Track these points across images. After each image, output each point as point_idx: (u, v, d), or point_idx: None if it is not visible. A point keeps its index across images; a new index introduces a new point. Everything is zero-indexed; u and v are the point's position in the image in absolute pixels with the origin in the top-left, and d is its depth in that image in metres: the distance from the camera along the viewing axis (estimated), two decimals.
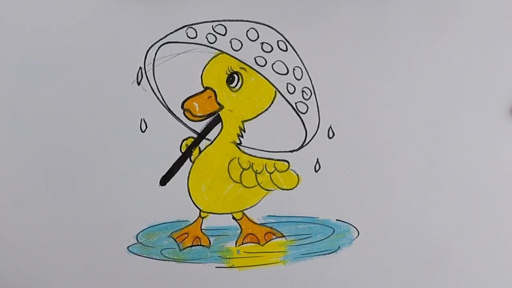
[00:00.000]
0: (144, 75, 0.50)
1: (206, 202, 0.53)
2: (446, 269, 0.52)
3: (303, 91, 0.50)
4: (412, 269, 0.54)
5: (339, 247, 0.55)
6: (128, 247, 0.54)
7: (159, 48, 0.49)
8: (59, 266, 0.55)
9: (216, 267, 0.55)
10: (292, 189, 0.53)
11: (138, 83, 0.50)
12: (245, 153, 0.52)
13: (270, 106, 0.51)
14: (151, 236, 0.54)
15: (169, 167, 0.52)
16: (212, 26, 0.49)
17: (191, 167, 0.52)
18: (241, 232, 0.54)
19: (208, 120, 0.51)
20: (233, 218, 0.54)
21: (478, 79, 0.50)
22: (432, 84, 0.49)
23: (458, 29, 0.49)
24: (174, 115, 0.51)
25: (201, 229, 0.54)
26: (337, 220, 0.54)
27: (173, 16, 0.49)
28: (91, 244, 0.54)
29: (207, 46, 0.49)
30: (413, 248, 0.54)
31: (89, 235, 0.54)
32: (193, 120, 0.51)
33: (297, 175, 0.52)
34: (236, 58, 0.50)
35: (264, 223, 0.54)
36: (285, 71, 0.50)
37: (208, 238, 0.54)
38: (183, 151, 0.52)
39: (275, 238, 0.54)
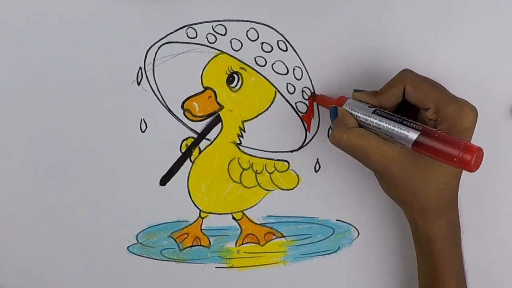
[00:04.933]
0: (144, 75, 0.50)
1: (206, 202, 0.53)
2: None
3: (303, 91, 0.50)
4: (412, 269, 0.54)
5: (339, 247, 0.54)
6: (128, 247, 0.54)
7: (159, 48, 0.49)
8: (59, 266, 0.55)
9: (216, 267, 0.55)
10: (292, 189, 0.53)
11: (138, 83, 0.50)
12: (245, 153, 0.52)
13: (270, 106, 0.51)
14: (151, 236, 0.54)
15: (169, 167, 0.52)
16: (212, 26, 0.49)
17: (191, 167, 0.52)
18: (241, 232, 0.54)
19: (208, 120, 0.51)
20: (233, 218, 0.54)
21: (478, 79, 0.50)
22: None
23: (458, 29, 0.49)
24: (174, 115, 0.51)
25: (201, 229, 0.54)
26: (337, 220, 0.54)
27: (173, 16, 0.49)
28: (91, 244, 0.54)
29: (207, 46, 0.49)
30: (413, 248, 0.54)
31: (89, 235, 0.54)
32: (193, 120, 0.51)
33: (297, 175, 0.52)
34: (236, 58, 0.50)
35: (264, 223, 0.54)
36: (285, 71, 0.50)
37: (208, 238, 0.54)
38: (183, 151, 0.52)
39: (275, 238, 0.54)
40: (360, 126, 0.44)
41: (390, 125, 0.41)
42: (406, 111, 0.44)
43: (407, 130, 0.40)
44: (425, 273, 0.47)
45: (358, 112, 0.44)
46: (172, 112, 0.51)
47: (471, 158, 0.36)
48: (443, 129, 0.41)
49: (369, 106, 0.44)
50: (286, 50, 0.49)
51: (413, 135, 0.40)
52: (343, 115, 0.44)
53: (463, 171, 0.42)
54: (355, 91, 0.46)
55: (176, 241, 0.54)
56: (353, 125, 0.44)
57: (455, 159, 0.37)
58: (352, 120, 0.44)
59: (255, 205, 0.53)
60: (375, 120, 0.42)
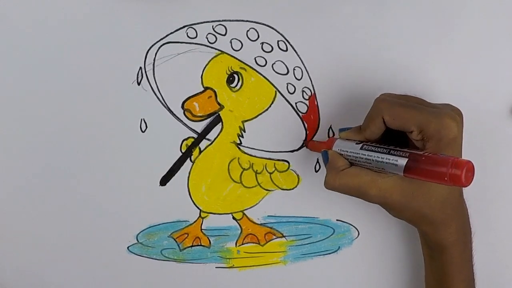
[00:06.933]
0: (144, 75, 0.50)
1: (206, 202, 0.53)
2: None
3: (303, 91, 0.50)
4: (412, 269, 0.54)
5: (339, 247, 0.54)
6: (128, 247, 0.54)
7: (159, 48, 0.49)
8: (59, 266, 0.55)
9: (216, 267, 0.55)
10: (292, 189, 0.53)
11: (138, 83, 0.50)
12: (245, 153, 0.52)
13: (270, 106, 0.51)
14: (151, 236, 0.54)
15: (169, 167, 0.52)
16: (212, 26, 0.49)
17: (191, 167, 0.52)
18: (241, 232, 0.54)
19: (208, 120, 0.51)
20: (233, 218, 0.54)
21: (478, 79, 0.50)
22: (432, 84, 0.49)
23: (457, 29, 0.49)
24: (174, 115, 0.51)
25: (201, 229, 0.54)
26: (337, 220, 0.54)
27: (173, 16, 0.49)
28: (91, 244, 0.54)
29: (207, 46, 0.49)
30: (413, 248, 0.54)
31: (89, 235, 0.54)
32: (193, 120, 0.51)
33: (297, 175, 0.52)
34: (236, 58, 0.50)
35: (264, 223, 0.54)
36: (285, 71, 0.50)
37: (208, 238, 0.54)
38: (183, 151, 0.52)
39: (275, 238, 0.54)
40: (352, 164, 0.44)
41: (379, 157, 0.42)
42: (396, 133, 0.44)
43: (395, 159, 0.41)
44: (434, 276, 0.47)
45: (348, 151, 0.44)
46: (172, 112, 0.51)
47: (461, 173, 0.36)
48: (431, 146, 0.41)
49: (356, 143, 0.44)
50: (286, 50, 0.49)
51: (402, 163, 0.40)
52: (333, 158, 0.45)
53: None
54: (341, 130, 0.46)
55: (176, 241, 0.54)
56: (344, 167, 0.44)
57: (445, 178, 0.37)
58: (343, 161, 0.44)
59: (255, 205, 0.53)
60: (364, 156, 0.43)
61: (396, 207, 0.43)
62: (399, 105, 0.42)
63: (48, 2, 0.48)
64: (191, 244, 0.54)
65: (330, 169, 0.45)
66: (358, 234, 0.54)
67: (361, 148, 0.43)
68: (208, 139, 0.52)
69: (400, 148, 0.41)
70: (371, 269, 0.55)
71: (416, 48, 0.49)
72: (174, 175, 0.52)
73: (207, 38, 0.49)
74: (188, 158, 0.52)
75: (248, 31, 0.49)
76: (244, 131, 0.51)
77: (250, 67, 0.50)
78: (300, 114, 0.51)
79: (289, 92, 0.50)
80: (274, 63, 0.50)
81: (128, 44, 0.49)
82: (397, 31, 0.49)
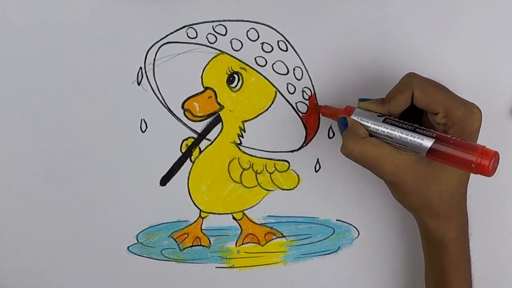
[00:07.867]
0: (144, 75, 0.50)
1: (206, 202, 0.53)
2: None
3: (303, 91, 0.50)
4: (413, 269, 0.55)
5: (339, 247, 0.55)
6: (128, 247, 0.54)
7: (159, 48, 0.49)
8: (59, 266, 0.55)
9: (216, 267, 0.55)
10: (292, 189, 0.53)
11: (138, 83, 0.50)
12: (245, 153, 0.52)
13: (270, 106, 0.51)
14: (151, 236, 0.54)
15: (169, 167, 0.52)
16: (213, 26, 0.49)
17: (191, 167, 0.52)
18: (241, 232, 0.54)
19: (208, 120, 0.51)
20: (233, 218, 0.54)
21: (478, 79, 0.50)
22: None
23: (457, 29, 0.49)
24: (174, 115, 0.51)
25: (201, 229, 0.54)
26: (337, 220, 0.54)
27: (173, 16, 0.49)
28: (91, 244, 0.54)
29: (208, 46, 0.49)
30: (414, 248, 0.54)
31: (89, 235, 0.54)
32: (193, 120, 0.51)
33: (297, 175, 0.52)
34: (237, 58, 0.50)
35: (264, 223, 0.54)
36: (285, 71, 0.50)
37: (208, 238, 0.54)
38: (183, 151, 0.52)
39: (275, 238, 0.54)
40: (370, 135, 0.43)
41: (403, 133, 0.41)
42: (410, 115, 0.44)
43: (421, 138, 0.40)
44: (433, 276, 0.47)
45: (368, 122, 0.43)
46: (172, 112, 0.51)
47: (489, 163, 0.36)
48: (454, 133, 0.40)
49: (378, 115, 0.43)
50: (287, 50, 0.49)
51: (427, 143, 0.39)
52: (354, 125, 0.43)
53: (471, 174, 0.43)
54: (360, 100, 0.45)
55: (176, 241, 0.54)
56: (365, 135, 0.42)
57: (472, 165, 0.36)
58: (363, 129, 0.43)
59: (255, 205, 0.53)
60: (386, 129, 0.42)
61: (405, 188, 0.42)
62: (430, 83, 0.42)
63: (48, 2, 0.48)
64: (191, 244, 0.54)
65: (350, 135, 0.43)
66: (358, 234, 0.54)
67: (383, 121, 0.42)
68: (208, 139, 0.52)
69: (426, 128, 0.40)
70: (371, 269, 0.55)
71: (416, 48, 0.49)
72: (174, 175, 0.52)
73: (207, 38, 0.49)
74: (188, 158, 0.52)
75: (248, 31, 0.49)
76: (244, 131, 0.51)
77: (250, 67, 0.50)
78: (300, 114, 0.51)
79: (289, 92, 0.50)
80: (274, 63, 0.50)
81: (128, 44, 0.49)
82: (396, 31, 0.49)
